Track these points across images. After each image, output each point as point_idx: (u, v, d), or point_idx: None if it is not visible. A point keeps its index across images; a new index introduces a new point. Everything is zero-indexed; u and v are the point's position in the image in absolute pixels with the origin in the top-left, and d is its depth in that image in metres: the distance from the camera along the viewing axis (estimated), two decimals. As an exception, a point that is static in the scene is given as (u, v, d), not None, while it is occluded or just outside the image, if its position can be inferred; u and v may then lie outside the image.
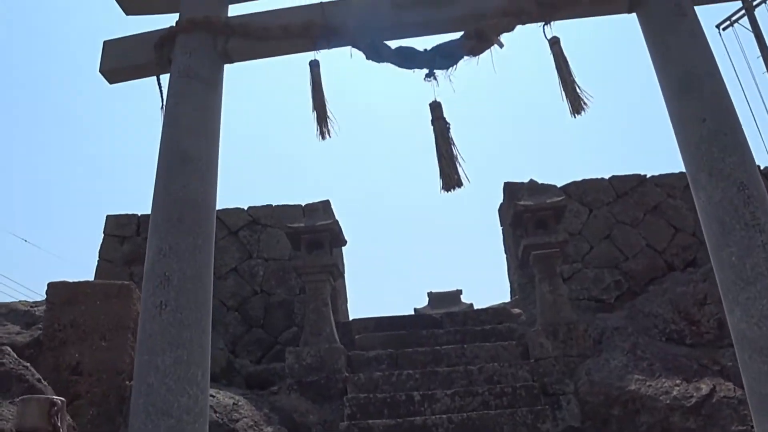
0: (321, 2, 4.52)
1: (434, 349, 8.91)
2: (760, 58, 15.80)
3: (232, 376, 9.26)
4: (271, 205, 11.93)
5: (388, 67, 4.37)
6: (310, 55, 4.57)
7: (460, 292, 15.32)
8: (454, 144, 4.41)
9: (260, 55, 4.61)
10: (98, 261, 11.35)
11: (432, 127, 4.48)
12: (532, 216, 9.08)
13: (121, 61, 4.67)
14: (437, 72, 4.29)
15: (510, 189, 11.30)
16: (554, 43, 4.41)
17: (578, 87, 4.36)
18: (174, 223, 3.90)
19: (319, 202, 11.40)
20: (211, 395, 7.16)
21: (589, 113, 4.39)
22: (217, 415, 7.00)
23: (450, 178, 4.33)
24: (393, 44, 4.33)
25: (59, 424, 2.92)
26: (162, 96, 4.43)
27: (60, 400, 2.95)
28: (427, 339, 9.45)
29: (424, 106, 4.53)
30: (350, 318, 11.44)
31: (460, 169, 4.36)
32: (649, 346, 8.31)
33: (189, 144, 4.11)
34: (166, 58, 4.46)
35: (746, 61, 16.48)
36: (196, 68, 4.33)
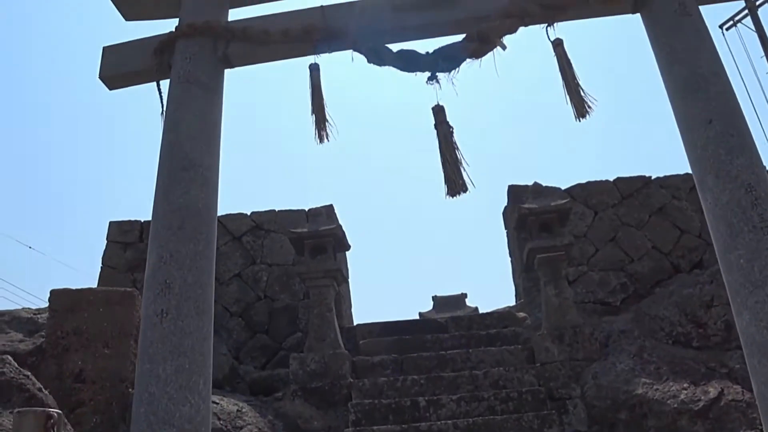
0: (321, 6, 4.48)
1: (439, 354, 8.86)
2: (764, 58, 15.75)
3: (236, 382, 9.22)
4: (274, 210, 11.88)
5: (390, 71, 4.33)
6: (313, 59, 4.53)
7: (465, 295, 15.28)
8: (457, 148, 4.37)
9: (261, 59, 4.57)
10: (101, 267, 11.32)
11: (435, 131, 4.44)
12: (536, 219, 9.03)
13: (120, 67, 4.64)
14: (439, 75, 4.24)
15: (514, 192, 11.24)
16: (558, 44, 4.36)
17: (582, 90, 4.30)
18: (174, 230, 3.86)
19: (322, 207, 11.36)
20: (215, 402, 7.12)
21: (593, 115, 4.35)
22: (221, 422, 6.96)
23: (455, 184, 4.28)
24: (394, 47, 4.28)
25: (56, 436, 2.88)
26: (162, 102, 4.39)
27: (56, 412, 2.90)
28: (432, 344, 9.40)
29: (427, 110, 4.49)
30: (355, 323, 11.39)
31: (464, 174, 4.31)
32: (655, 349, 8.24)
33: (189, 150, 4.07)
34: (165, 64, 4.43)
35: (750, 62, 16.44)
36: (197, 73, 4.29)
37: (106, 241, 11.57)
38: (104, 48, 4.70)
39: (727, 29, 16.90)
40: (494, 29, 4.12)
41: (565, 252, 8.94)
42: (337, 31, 4.33)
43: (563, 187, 11.25)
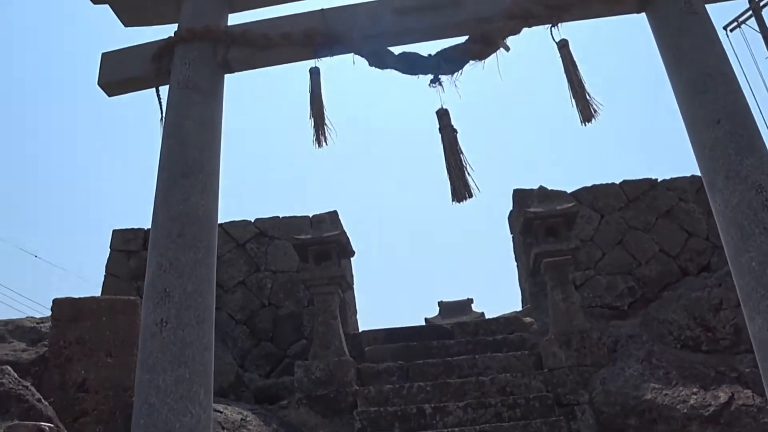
0: (322, 9, 4.42)
1: (445, 361, 8.78)
2: (768, 59, 15.67)
3: (241, 390, 9.16)
4: (278, 217, 11.83)
5: (394, 75, 4.27)
6: (314, 63, 4.48)
7: (471, 301, 15.24)
8: (462, 153, 4.30)
9: (261, 64, 4.51)
10: (105, 276, 11.29)
11: (440, 135, 4.37)
12: (542, 223, 8.96)
13: (119, 74, 4.58)
14: (442, 78, 4.18)
15: (519, 196, 11.18)
16: (563, 46, 4.27)
17: (588, 93, 4.21)
18: (174, 237, 3.79)
19: (326, 213, 11.32)
20: (219, 411, 7.05)
21: (598, 117, 4.27)
22: (225, 431, 6.89)
23: (460, 189, 4.22)
24: (396, 50, 4.22)
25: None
26: (161, 108, 4.34)
27: (48, 426, 2.84)
28: (438, 350, 9.33)
29: (431, 113, 4.43)
30: (360, 329, 11.32)
31: (469, 179, 4.24)
32: (664, 353, 8.15)
33: (189, 156, 4.01)
34: (165, 70, 4.37)
35: (755, 63, 16.37)
36: (196, 79, 4.23)
37: (109, 250, 11.54)
38: (103, 54, 4.64)
39: (731, 31, 16.85)
40: (497, 30, 4.06)
41: (572, 256, 8.88)
42: (338, 35, 4.27)
43: (569, 191, 11.20)
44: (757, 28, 16.32)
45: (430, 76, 4.19)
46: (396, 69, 4.23)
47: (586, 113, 4.19)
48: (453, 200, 4.27)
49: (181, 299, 3.65)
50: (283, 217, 11.81)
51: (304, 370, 8.54)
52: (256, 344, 10.74)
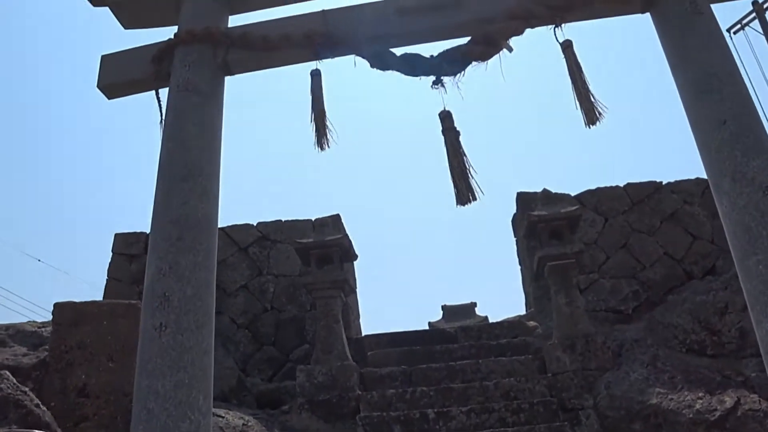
0: (323, 10, 4.38)
1: (449, 365, 8.73)
2: (773, 61, 15.60)
3: (243, 395, 9.12)
4: (280, 221, 11.80)
5: (396, 76, 4.23)
6: (315, 65, 4.44)
7: (474, 304, 15.19)
8: (465, 156, 4.25)
9: (261, 66, 4.47)
10: (107, 280, 11.27)
11: (443, 138, 4.32)
12: (546, 226, 8.91)
13: (119, 76, 4.55)
14: (445, 79, 4.13)
15: (523, 199, 11.13)
16: (567, 47, 4.21)
17: (593, 95, 4.15)
18: (173, 241, 3.75)
19: (328, 217, 11.27)
20: (221, 416, 7.01)
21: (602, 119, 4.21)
22: (227, 436, 6.84)
23: (464, 193, 4.16)
24: (398, 51, 4.18)
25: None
26: (161, 110, 4.30)
27: (42, 434, 2.80)
28: (441, 354, 9.28)
29: (435, 115, 4.38)
30: (363, 333, 11.27)
31: (473, 183, 4.19)
32: (669, 357, 8.09)
33: (188, 159, 3.97)
34: (164, 72, 4.33)
35: (758, 65, 16.31)
36: (196, 81, 4.19)
37: (111, 254, 11.51)
38: (102, 57, 4.60)
39: (734, 33, 16.78)
40: (500, 31, 4.01)
41: (576, 259, 8.82)
42: (339, 36, 4.22)
43: (573, 194, 11.15)
44: (760, 30, 16.25)
45: (433, 78, 4.15)
46: (398, 70, 4.18)
47: (591, 116, 4.14)
48: (457, 204, 4.22)
49: (180, 303, 3.60)
50: (285, 221, 11.78)
51: (307, 374, 8.50)
52: (258, 348, 10.69)
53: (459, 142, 4.27)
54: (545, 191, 10.83)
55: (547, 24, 4.13)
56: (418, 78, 4.17)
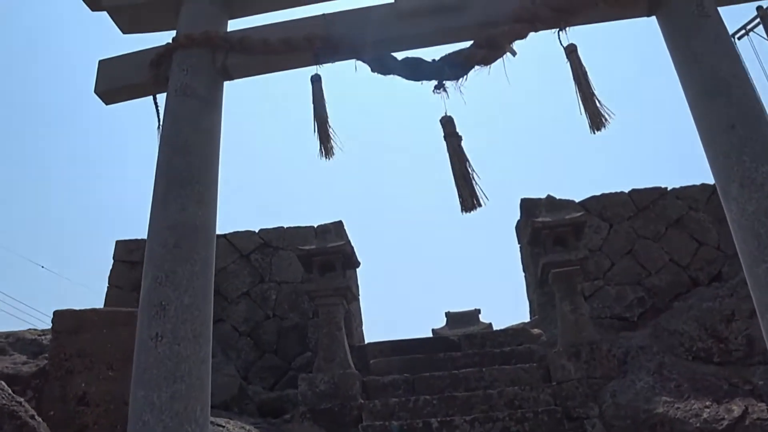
0: (324, 14, 4.31)
1: (452, 373, 8.64)
2: (778, 66, 15.53)
3: (245, 403, 9.03)
4: (282, 227, 11.75)
5: (398, 81, 4.15)
6: (315, 69, 4.36)
7: (478, 311, 15.09)
8: (468, 161, 4.17)
9: (261, 70, 4.40)
10: (108, 287, 11.22)
11: (445, 144, 4.24)
12: (550, 233, 8.84)
13: (116, 81, 4.48)
14: (447, 83, 4.05)
15: (527, 205, 11.07)
16: (571, 51, 4.13)
17: (598, 100, 4.07)
18: (170, 248, 3.68)
19: (331, 224, 11.21)
20: (221, 425, 6.93)
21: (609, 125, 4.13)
22: (228, 446, 6.76)
23: (468, 199, 4.08)
24: (399, 55, 4.10)
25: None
26: (158, 116, 4.23)
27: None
28: (444, 362, 9.19)
29: (437, 120, 4.30)
30: (367, 340, 11.21)
31: (477, 189, 4.11)
32: (675, 365, 8.00)
33: (186, 165, 3.90)
34: (163, 77, 4.26)
35: (763, 70, 16.22)
36: (194, 86, 4.12)
37: (113, 261, 11.46)
38: (100, 61, 4.54)
39: (739, 38, 16.70)
40: (503, 35, 3.93)
41: (581, 266, 8.74)
42: (339, 40, 4.15)
43: (577, 200, 11.09)
44: (765, 36, 16.16)
45: (434, 82, 4.07)
46: (399, 75, 4.11)
47: (596, 121, 4.05)
48: (462, 211, 4.14)
49: (177, 313, 3.53)
50: (287, 228, 11.73)
51: (308, 383, 8.42)
52: (260, 356, 10.62)
53: (461, 148, 4.19)
54: (549, 197, 10.77)
55: (551, 27, 4.04)
56: (420, 83, 4.09)
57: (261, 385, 10.02)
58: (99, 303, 11.01)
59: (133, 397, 3.46)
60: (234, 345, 10.52)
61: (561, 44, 4.13)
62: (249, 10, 4.63)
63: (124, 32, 4.80)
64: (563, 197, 10.88)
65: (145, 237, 3.97)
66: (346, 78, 4.38)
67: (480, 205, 4.11)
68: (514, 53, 3.98)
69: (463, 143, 4.21)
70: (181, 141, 3.96)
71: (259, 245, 11.59)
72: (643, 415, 7.23)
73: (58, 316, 7.24)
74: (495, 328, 12.92)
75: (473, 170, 4.15)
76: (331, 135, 4.27)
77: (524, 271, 12.07)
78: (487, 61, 3.96)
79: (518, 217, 11.72)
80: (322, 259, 9.10)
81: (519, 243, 12.10)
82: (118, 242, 11.54)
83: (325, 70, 4.33)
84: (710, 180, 10.12)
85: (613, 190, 11.31)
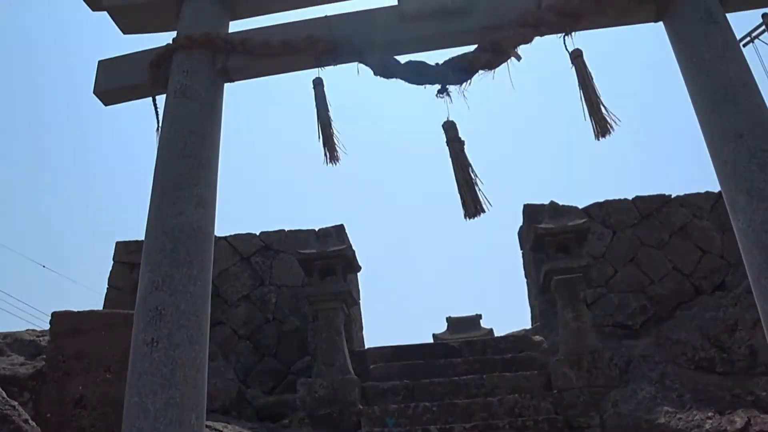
0: (326, 16, 4.25)
1: (452, 380, 8.58)
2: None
3: (243, 407, 8.97)
4: (283, 230, 11.69)
5: (401, 85, 4.09)
6: (317, 72, 4.30)
7: (479, 317, 15.05)
8: (471, 167, 4.10)
9: (261, 73, 4.34)
10: (107, 288, 11.18)
11: (447, 149, 4.18)
12: (553, 239, 8.78)
13: (116, 82, 4.43)
14: (450, 87, 3.99)
15: (530, 211, 11.02)
16: (577, 56, 4.06)
17: (604, 107, 4.00)
18: (167, 252, 3.61)
19: (332, 227, 11.15)
20: (219, 430, 6.87)
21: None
22: (225, 451, 6.70)
23: (470, 205, 4.02)
24: (402, 59, 4.04)
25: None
26: (157, 117, 4.18)
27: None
28: (444, 369, 9.13)
29: (439, 123, 4.24)
30: (367, 345, 11.15)
31: (480, 195, 4.05)
32: (678, 375, 7.93)
33: (185, 168, 3.83)
34: (162, 78, 4.20)
35: None
36: (194, 87, 4.06)
37: (113, 262, 11.41)
38: (99, 62, 4.49)
39: (743, 46, 16.64)
40: (508, 39, 3.87)
41: (583, 273, 8.68)
42: (342, 43, 4.08)
43: (580, 206, 11.03)
44: (771, 43, 16.12)
45: (438, 86, 4.01)
46: (402, 78, 4.04)
47: (602, 127, 3.98)
48: (465, 216, 4.07)
49: (173, 318, 3.47)
50: (288, 231, 11.67)
51: (307, 388, 8.36)
52: (259, 360, 10.56)
53: (464, 153, 4.13)
54: (552, 203, 10.69)
55: (557, 32, 3.98)
56: (423, 87, 4.03)
57: (260, 389, 9.96)
58: (100, 303, 10.97)
59: (127, 403, 3.38)
60: (233, 348, 10.47)
61: (566, 49, 4.07)
62: (250, 11, 4.58)
63: (124, 32, 4.74)
64: (566, 203, 10.80)
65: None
66: (350, 78, 4.32)
67: (483, 211, 4.04)
68: (518, 58, 3.92)
69: (465, 148, 4.16)
70: (180, 143, 3.90)
71: (260, 248, 11.54)
72: (645, 425, 7.16)
73: (56, 317, 7.19)
74: (496, 333, 12.87)
75: (476, 176, 4.09)
76: (335, 140, 4.20)
77: (526, 277, 12.02)
78: (491, 65, 3.90)
79: (521, 223, 11.66)
80: (322, 264, 9.04)
81: (521, 249, 12.05)
82: (118, 243, 11.50)
83: (328, 71, 4.28)
84: (714, 187, 10.11)
85: (616, 197, 11.26)
